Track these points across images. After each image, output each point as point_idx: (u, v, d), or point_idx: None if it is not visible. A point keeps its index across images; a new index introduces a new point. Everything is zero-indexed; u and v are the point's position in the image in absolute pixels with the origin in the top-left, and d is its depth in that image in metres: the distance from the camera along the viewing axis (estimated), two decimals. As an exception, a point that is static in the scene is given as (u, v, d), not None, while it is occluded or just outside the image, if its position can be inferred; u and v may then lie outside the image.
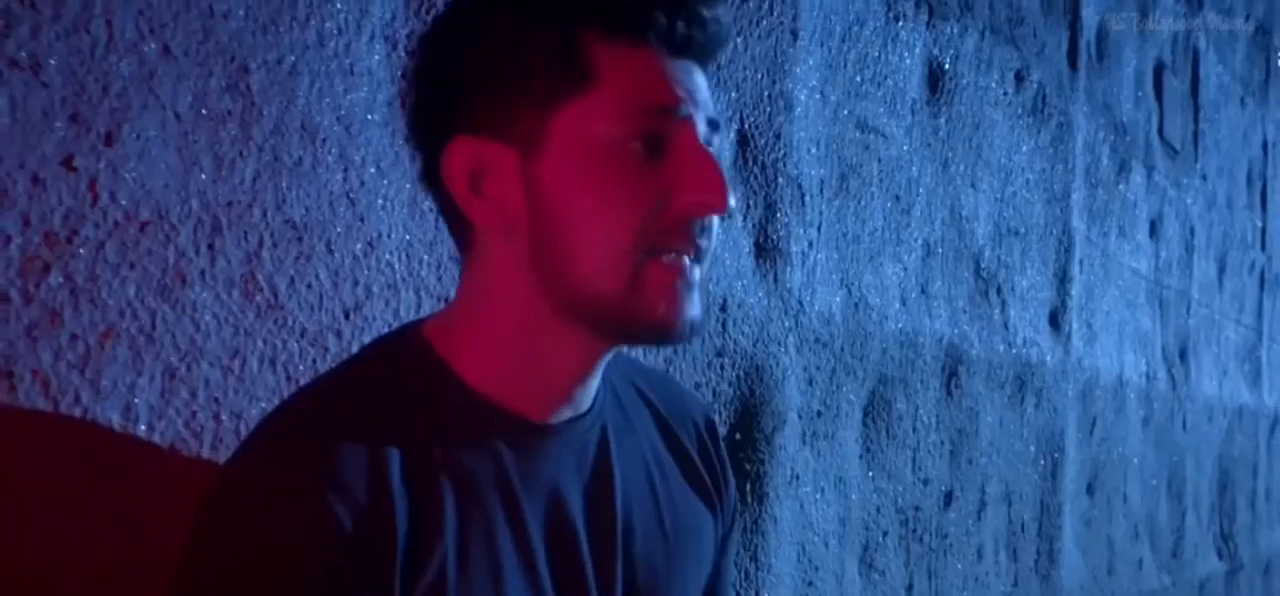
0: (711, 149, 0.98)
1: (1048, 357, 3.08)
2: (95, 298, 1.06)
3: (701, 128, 0.97)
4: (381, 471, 0.91)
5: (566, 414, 1.03)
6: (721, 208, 0.95)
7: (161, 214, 1.10)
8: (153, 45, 1.09)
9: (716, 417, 1.22)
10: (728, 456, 1.23)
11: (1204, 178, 4.38)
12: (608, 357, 1.04)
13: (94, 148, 1.05)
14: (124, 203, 1.07)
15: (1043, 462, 3.09)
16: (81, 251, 1.04)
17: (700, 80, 0.99)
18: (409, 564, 0.91)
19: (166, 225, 1.10)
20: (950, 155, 2.58)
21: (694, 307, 0.97)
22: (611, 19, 0.95)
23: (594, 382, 1.05)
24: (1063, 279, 3.16)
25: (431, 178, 1.01)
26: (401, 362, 1.00)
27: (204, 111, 1.13)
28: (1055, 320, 3.14)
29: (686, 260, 0.96)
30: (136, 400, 1.09)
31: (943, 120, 2.54)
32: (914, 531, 2.48)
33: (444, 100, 0.99)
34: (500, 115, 0.96)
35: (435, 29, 1.02)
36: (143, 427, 1.09)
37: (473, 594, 0.94)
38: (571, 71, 0.94)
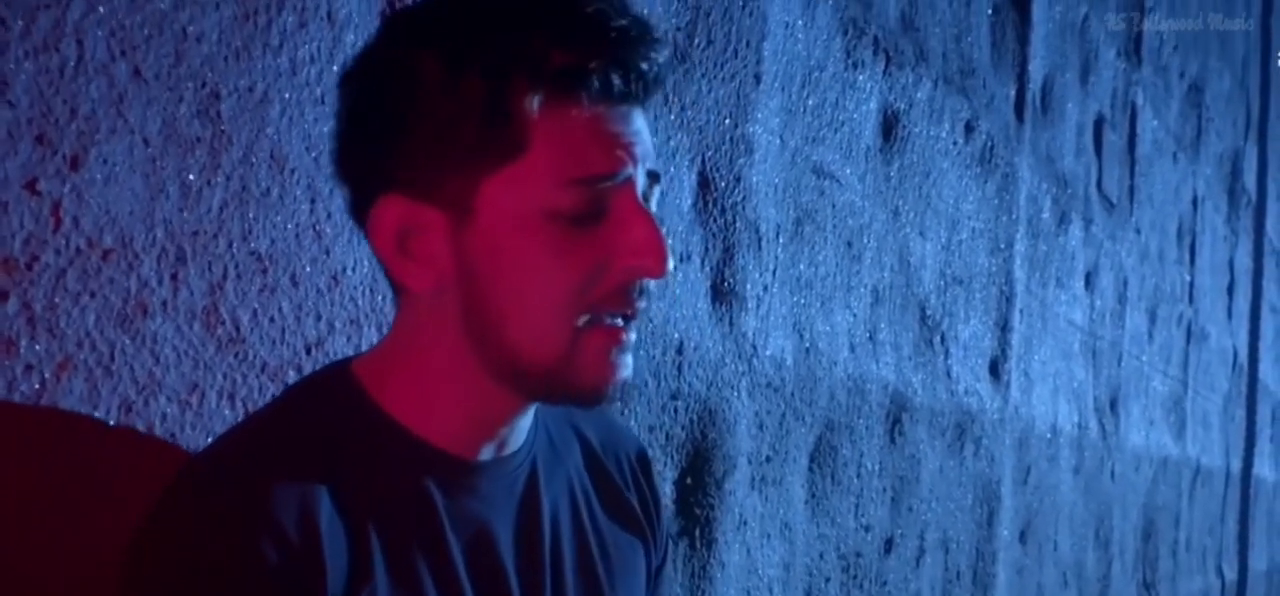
0: (651, 204, 0.94)
1: (987, 406, 3.10)
2: (53, 327, 1.01)
3: (641, 183, 0.93)
4: (311, 511, 0.89)
5: (497, 451, 1.01)
6: (660, 272, 0.92)
7: (125, 241, 1.06)
8: (123, 67, 1.06)
9: (649, 452, 1.20)
10: (661, 491, 1.22)
11: (1138, 231, 4.45)
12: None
13: (59, 171, 1.01)
14: (87, 229, 1.03)
15: (980, 510, 3.11)
16: (41, 278, 1.00)
17: (640, 127, 0.94)
18: None
19: (130, 253, 1.07)
20: (901, 203, 2.59)
21: (627, 370, 0.95)
22: (542, 76, 0.89)
23: (526, 423, 1.03)
24: (1004, 328, 3.19)
25: (360, 215, 0.97)
26: (330, 400, 0.98)
27: (173, 137, 1.10)
28: (995, 369, 3.16)
29: (624, 323, 0.94)
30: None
31: (894, 168, 2.56)
32: (855, 577, 2.48)
33: (371, 151, 0.94)
34: (427, 176, 0.91)
35: (360, 67, 0.95)
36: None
37: None
38: (501, 136, 0.89)
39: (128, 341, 1.07)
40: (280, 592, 0.86)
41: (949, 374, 2.87)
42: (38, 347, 1.01)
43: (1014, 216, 3.21)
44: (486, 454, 1.00)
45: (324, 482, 0.91)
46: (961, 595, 3.02)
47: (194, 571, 0.85)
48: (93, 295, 1.04)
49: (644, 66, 0.91)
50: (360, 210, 0.96)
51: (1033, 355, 3.44)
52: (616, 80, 0.90)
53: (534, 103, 0.89)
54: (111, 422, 1.06)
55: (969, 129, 2.89)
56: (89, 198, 1.03)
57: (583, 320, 0.92)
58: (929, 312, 2.77)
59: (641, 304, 0.94)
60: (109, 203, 1.05)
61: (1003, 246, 3.16)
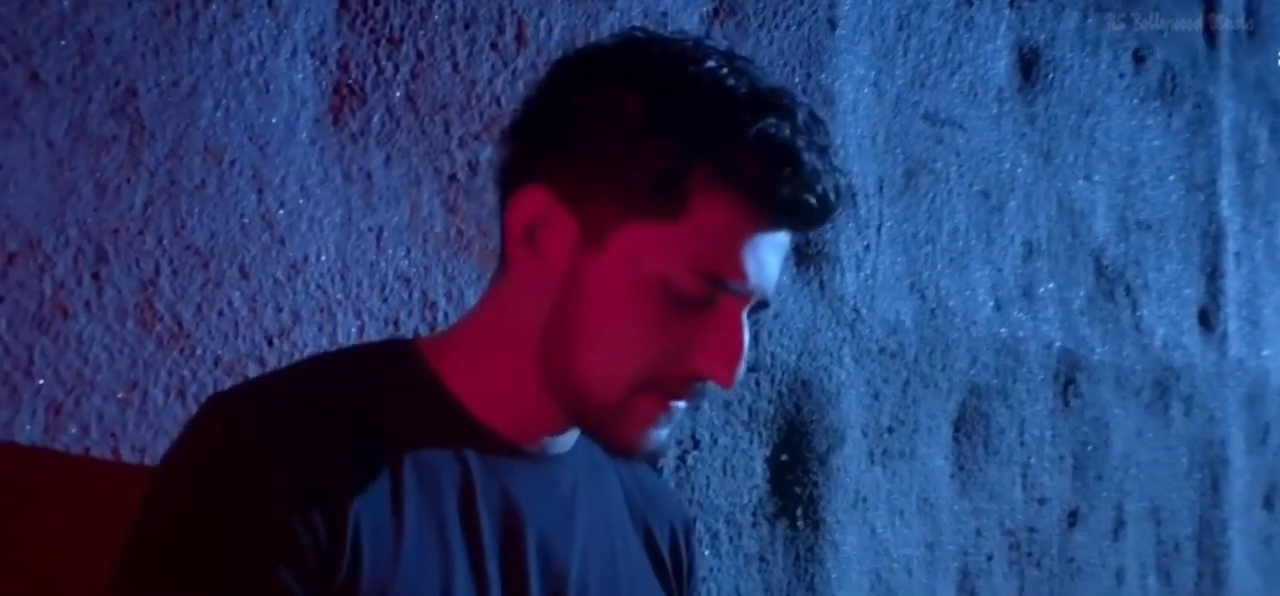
0: (748, 325, 0.96)
1: (1197, 360, 2.81)
2: (-41, 333, 1.03)
3: (752, 301, 0.95)
4: (343, 443, 0.89)
5: (540, 449, 1.02)
6: (727, 385, 0.95)
7: (33, 244, 1.07)
8: (19, 72, 1.07)
9: (695, 520, 1.20)
10: (700, 560, 1.19)
11: (1402, 156, 3.97)
12: None
13: (-53, 180, 1.02)
14: (-13, 235, 1.04)
15: (1200, 475, 2.82)
16: (-61, 287, 1.02)
17: (783, 258, 0.97)
18: (361, 536, 0.88)
19: (40, 255, 1.07)
20: (1053, 145, 2.39)
21: (662, 441, 0.98)
22: (731, 173, 0.91)
23: (570, 437, 1.04)
24: (1212, 274, 2.89)
25: (507, 186, 0.99)
26: (385, 360, 1.00)
27: (82, 138, 1.10)
28: (1206, 319, 2.87)
29: (681, 405, 0.97)
30: (16, 437, 1.06)
31: (1041, 108, 2.35)
32: (1029, 555, 2.28)
33: (545, 139, 0.97)
34: (582, 189, 0.94)
35: (580, 61, 1.00)
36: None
37: (423, 579, 0.91)
38: (664, 198, 0.92)
39: (48, 343, 1.08)
40: (300, 508, 0.85)
41: (1139, 327, 2.62)
42: (-56, 355, 1.02)
43: (1214, 151, 2.91)
44: (531, 447, 1.01)
45: (363, 421, 0.92)
46: (1184, 568, 2.75)
47: (209, 498, 0.85)
48: (1, 300, 1.05)
49: (819, 218, 0.94)
50: (508, 182, 0.99)
51: (1261, 302, 3.10)
52: (792, 217, 0.93)
53: (709, 190, 0.91)
54: (40, 425, 1.07)
55: (1139, 59, 2.64)
56: (-15, 203, 1.04)
57: (642, 387, 0.94)
58: (1106, 262, 2.53)
59: (700, 397, 0.98)
60: (9, 207, 1.06)
61: (1202, 184, 2.86)
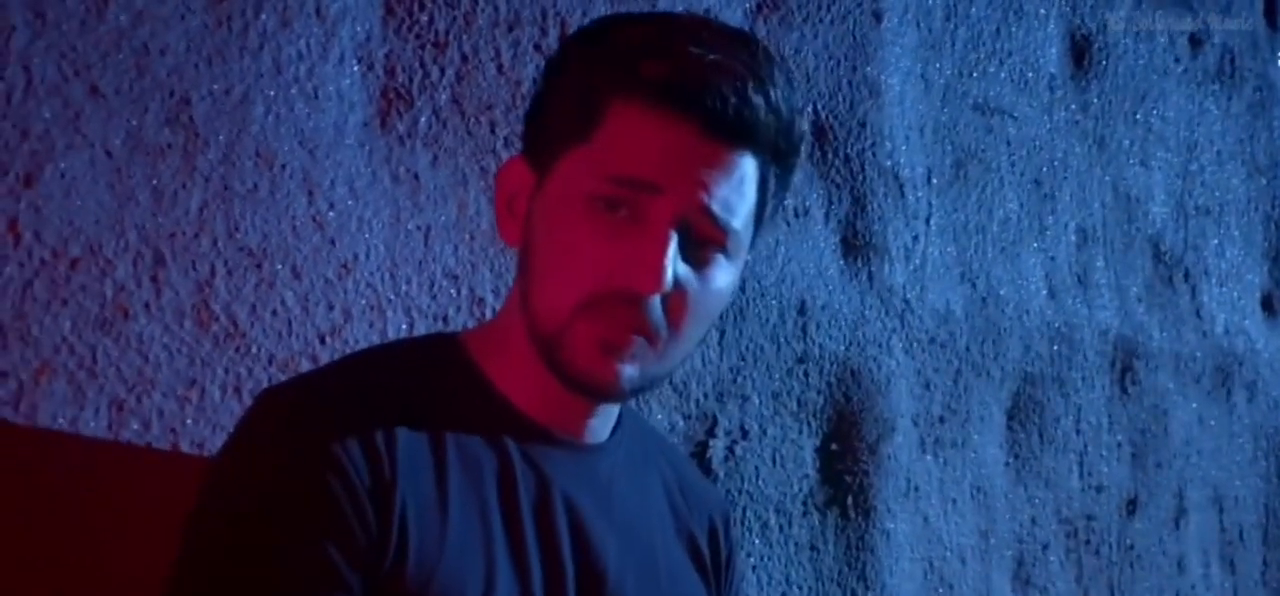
0: (707, 249, 0.97)
1: (1260, 346, 2.78)
2: (25, 335, 1.08)
3: (688, 213, 0.95)
4: (390, 433, 0.94)
5: (576, 439, 1.05)
6: (643, 289, 0.94)
7: (94, 249, 1.12)
8: (78, 86, 1.12)
9: (735, 511, 1.22)
10: (739, 553, 1.21)
11: None
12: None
13: (12, 190, 1.08)
14: (50, 240, 1.10)
15: (1265, 463, 2.79)
16: (7, 290, 1.07)
17: (729, 172, 0.96)
18: (408, 522, 0.92)
19: (101, 260, 1.12)
20: (1107, 132, 2.38)
21: (626, 371, 0.97)
22: (629, 79, 0.95)
23: (605, 418, 1.07)
24: (1276, 258, 2.86)
25: None
26: (429, 353, 1.05)
27: (139, 146, 1.15)
28: (1269, 305, 2.84)
29: (630, 333, 0.96)
30: (81, 433, 1.11)
31: (1094, 95, 2.35)
32: (1087, 542, 2.28)
33: (526, 119, 1.06)
34: (537, 146, 1.02)
35: (556, 50, 1.08)
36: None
37: (466, 561, 0.95)
38: (584, 122, 0.97)
39: (110, 343, 1.13)
40: (344, 513, 0.90)
41: (1198, 314, 2.60)
42: (12, 355, 1.07)
43: (1277, 134, 2.87)
44: (568, 437, 1.05)
45: (410, 412, 0.96)
46: (1249, 557, 2.72)
47: (262, 488, 0.90)
48: (65, 302, 1.10)
49: (723, 113, 0.94)
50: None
51: (1329, 285, 3.06)
52: (691, 106, 0.93)
53: (619, 104, 0.95)
54: (104, 421, 1.12)
55: (1195, 42, 2.62)
56: (47, 212, 1.09)
57: (585, 307, 0.96)
58: (1164, 248, 2.51)
59: (654, 321, 0.96)
60: (71, 214, 1.11)
61: (1265, 168, 2.83)
